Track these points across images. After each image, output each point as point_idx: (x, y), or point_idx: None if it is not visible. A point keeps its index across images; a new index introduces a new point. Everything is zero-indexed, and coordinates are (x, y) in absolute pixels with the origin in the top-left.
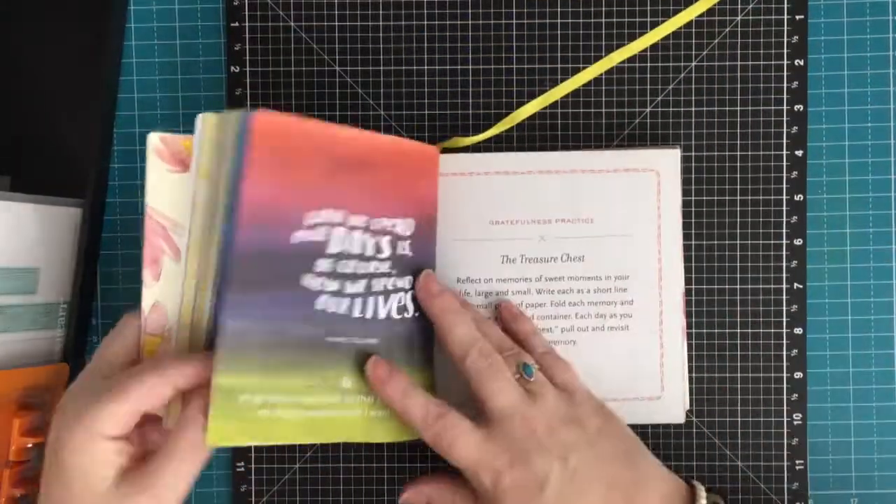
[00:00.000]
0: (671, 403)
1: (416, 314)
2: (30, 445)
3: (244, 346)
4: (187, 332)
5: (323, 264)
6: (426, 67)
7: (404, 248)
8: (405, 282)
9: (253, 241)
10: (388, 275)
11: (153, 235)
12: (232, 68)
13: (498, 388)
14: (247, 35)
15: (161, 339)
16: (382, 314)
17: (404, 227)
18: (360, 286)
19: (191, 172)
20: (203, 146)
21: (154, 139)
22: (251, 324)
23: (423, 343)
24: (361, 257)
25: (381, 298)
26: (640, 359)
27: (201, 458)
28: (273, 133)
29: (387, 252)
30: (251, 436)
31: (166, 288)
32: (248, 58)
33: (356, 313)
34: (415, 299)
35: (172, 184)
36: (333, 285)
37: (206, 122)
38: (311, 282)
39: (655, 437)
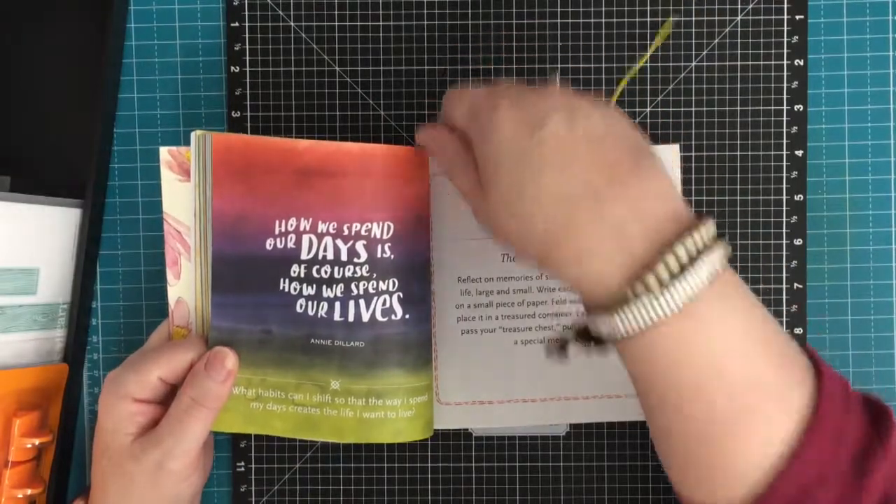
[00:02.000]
0: None
1: (406, 316)
2: (30, 445)
3: (233, 343)
4: (203, 324)
5: (298, 269)
6: (426, 67)
7: (384, 251)
8: (388, 284)
9: (227, 246)
10: (368, 278)
11: (171, 239)
12: (232, 68)
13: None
14: (247, 35)
15: (186, 330)
16: (366, 317)
17: (380, 230)
18: (338, 290)
19: (191, 182)
20: (193, 161)
21: (163, 153)
22: (239, 323)
23: (418, 345)
24: (336, 262)
25: (361, 301)
26: None
27: (202, 415)
28: (230, 150)
29: (364, 256)
30: (245, 426)
31: (186, 286)
32: (248, 58)
33: (337, 316)
34: (401, 301)
35: (182, 192)
36: (310, 289)
37: (195, 138)
38: (288, 285)
39: None
